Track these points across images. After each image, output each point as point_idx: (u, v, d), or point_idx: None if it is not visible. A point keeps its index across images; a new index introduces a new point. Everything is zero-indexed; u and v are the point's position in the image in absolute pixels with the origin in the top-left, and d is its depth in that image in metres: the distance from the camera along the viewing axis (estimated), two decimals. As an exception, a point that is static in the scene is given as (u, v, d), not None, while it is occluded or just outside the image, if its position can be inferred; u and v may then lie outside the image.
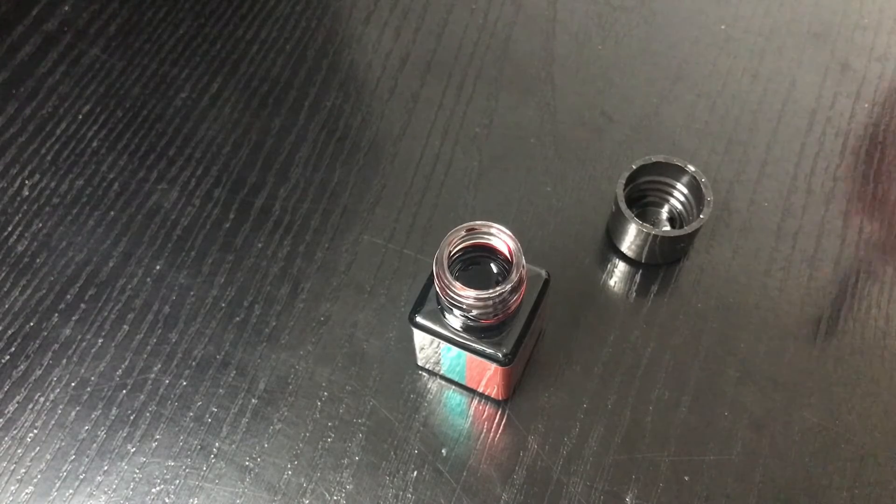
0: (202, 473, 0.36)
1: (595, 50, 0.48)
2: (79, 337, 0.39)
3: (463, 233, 0.32)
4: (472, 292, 0.31)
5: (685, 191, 0.40)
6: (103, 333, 0.40)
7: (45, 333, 0.40)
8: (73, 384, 0.38)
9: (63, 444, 0.37)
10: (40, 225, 0.43)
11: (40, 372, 0.39)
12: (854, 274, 0.40)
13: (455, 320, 0.33)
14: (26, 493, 0.36)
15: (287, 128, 0.46)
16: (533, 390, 0.38)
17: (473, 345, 0.33)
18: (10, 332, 0.40)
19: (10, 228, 0.43)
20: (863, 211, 0.42)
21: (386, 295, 0.40)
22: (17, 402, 0.38)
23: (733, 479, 0.35)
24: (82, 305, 0.40)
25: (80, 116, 0.46)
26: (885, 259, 0.41)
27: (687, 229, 0.38)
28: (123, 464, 0.36)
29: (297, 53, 0.49)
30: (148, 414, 0.37)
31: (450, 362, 0.35)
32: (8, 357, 0.39)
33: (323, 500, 0.35)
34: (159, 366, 0.39)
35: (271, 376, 0.38)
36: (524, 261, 0.32)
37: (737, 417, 0.37)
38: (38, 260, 0.42)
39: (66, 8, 0.50)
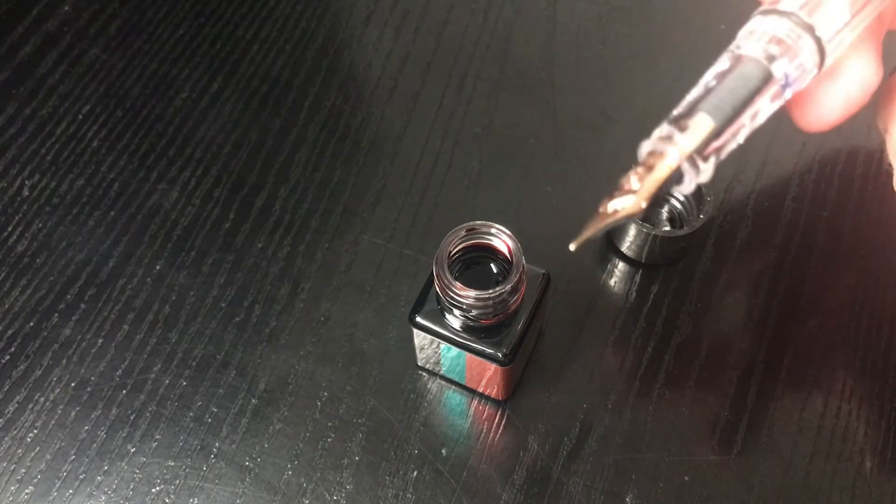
0: (202, 473, 0.36)
1: (595, 50, 0.48)
2: (79, 337, 0.39)
3: (463, 233, 0.32)
4: (472, 292, 0.31)
5: (685, 191, 0.40)
6: (103, 333, 0.40)
7: (45, 333, 0.40)
8: (73, 384, 0.38)
9: (63, 444, 0.37)
10: (40, 225, 0.43)
11: (40, 372, 0.39)
12: (854, 274, 0.40)
13: (455, 320, 0.33)
14: (26, 493, 0.36)
15: (287, 128, 0.46)
16: (533, 390, 0.38)
17: (473, 345, 0.33)
18: (10, 332, 0.40)
19: (10, 228, 0.43)
20: (862, 211, 0.42)
21: (386, 295, 0.40)
22: (17, 402, 0.38)
23: (733, 479, 0.35)
24: (82, 305, 0.40)
25: (80, 116, 0.46)
26: (883, 259, 0.41)
27: (687, 229, 0.38)
28: (123, 464, 0.36)
29: (297, 53, 0.49)
30: (148, 414, 0.38)
31: (450, 362, 0.35)
32: (8, 357, 0.39)
33: (323, 500, 0.35)
34: (159, 366, 0.39)
35: (271, 376, 0.38)
36: (524, 261, 0.32)
37: (737, 417, 0.37)
38: (38, 260, 0.42)
39: (66, 8, 0.50)
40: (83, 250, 0.42)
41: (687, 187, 0.25)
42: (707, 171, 0.25)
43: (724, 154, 0.25)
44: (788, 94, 0.26)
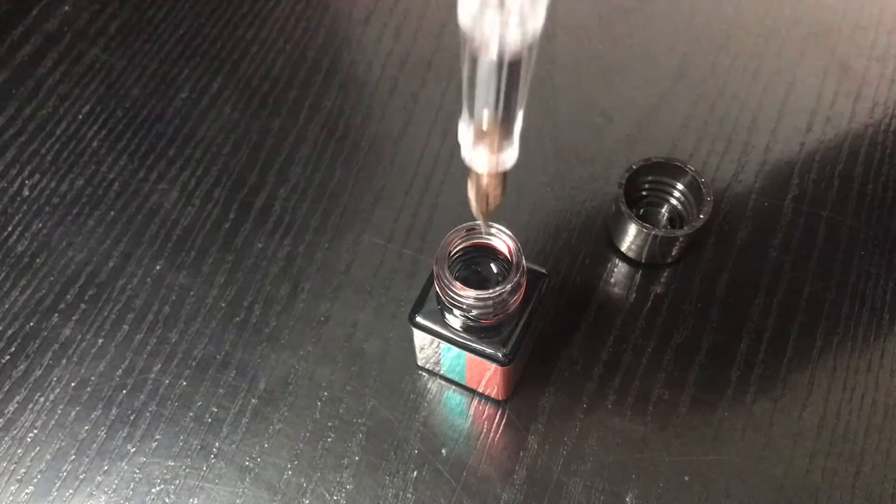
0: (202, 473, 0.36)
1: (595, 50, 0.48)
2: (79, 337, 0.39)
3: (463, 233, 0.32)
4: (472, 292, 0.31)
5: (685, 191, 0.40)
6: (103, 333, 0.40)
7: (45, 333, 0.40)
8: (73, 384, 0.38)
9: (63, 444, 0.37)
10: (40, 225, 0.43)
11: (40, 372, 0.39)
12: (854, 274, 0.40)
13: (455, 320, 0.33)
14: (26, 493, 0.36)
15: (287, 128, 0.46)
16: (533, 390, 0.38)
17: (473, 345, 0.33)
18: (10, 332, 0.40)
19: (10, 228, 0.43)
20: (861, 211, 0.42)
21: (386, 295, 0.40)
22: (17, 402, 0.38)
23: (733, 479, 0.35)
24: (82, 305, 0.40)
25: (80, 116, 0.46)
26: (883, 259, 0.41)
27: (687, 229, 0.38)
28: (123, 464, 0.36)
29: (297, 53, 0.49)
30: (148, 414, 0.38)
31: (450, 362, 0.35)
32: (8, 357, 0.39)
33: (323, 500, 0.35)
34: (159, 366, 0.39)
35: (271, 376, 0.38)
36: (524, 261, 0.32)
37: (737, 417, 0.37)
38: (38, 260, 0.42)
39: (66, 8, 0.50)
40: (83, 250, 0.42)
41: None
42: (512, 156, 0.26)
43: (515, 135, 0.26)
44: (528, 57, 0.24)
